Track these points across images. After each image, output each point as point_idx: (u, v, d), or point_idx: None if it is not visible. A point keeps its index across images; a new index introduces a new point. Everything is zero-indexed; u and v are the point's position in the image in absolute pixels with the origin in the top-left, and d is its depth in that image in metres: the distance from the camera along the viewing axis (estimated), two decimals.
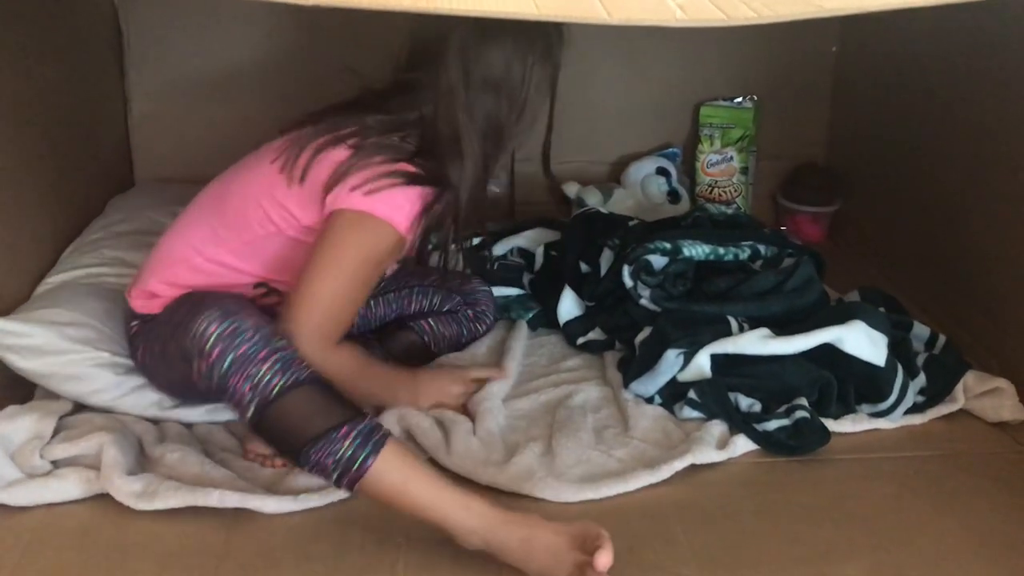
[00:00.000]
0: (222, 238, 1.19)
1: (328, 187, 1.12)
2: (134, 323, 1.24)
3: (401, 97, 1.17)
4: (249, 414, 1.01)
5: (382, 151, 1.13)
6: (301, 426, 0.99)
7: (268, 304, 1.19)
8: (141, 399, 1.23)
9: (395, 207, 1.12)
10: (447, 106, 1.14)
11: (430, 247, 1.22)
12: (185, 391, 1.18)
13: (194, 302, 1.09)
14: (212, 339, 1.01)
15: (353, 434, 0.98)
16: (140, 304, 1.23)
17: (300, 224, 1.16)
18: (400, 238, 1.13)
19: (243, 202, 1.19)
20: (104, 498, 1.10)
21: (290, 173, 1.15)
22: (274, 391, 0.99)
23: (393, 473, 0.98)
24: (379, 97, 1.19)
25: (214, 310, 1.03)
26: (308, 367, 1.02)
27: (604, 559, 0.91)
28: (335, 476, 0.99)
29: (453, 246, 1.23)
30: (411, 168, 1.13)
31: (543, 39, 1.17)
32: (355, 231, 1.12)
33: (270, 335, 1.02)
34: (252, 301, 1.15)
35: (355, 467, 0.97)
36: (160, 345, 1.15)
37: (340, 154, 1.13)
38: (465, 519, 0.97)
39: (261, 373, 1.00)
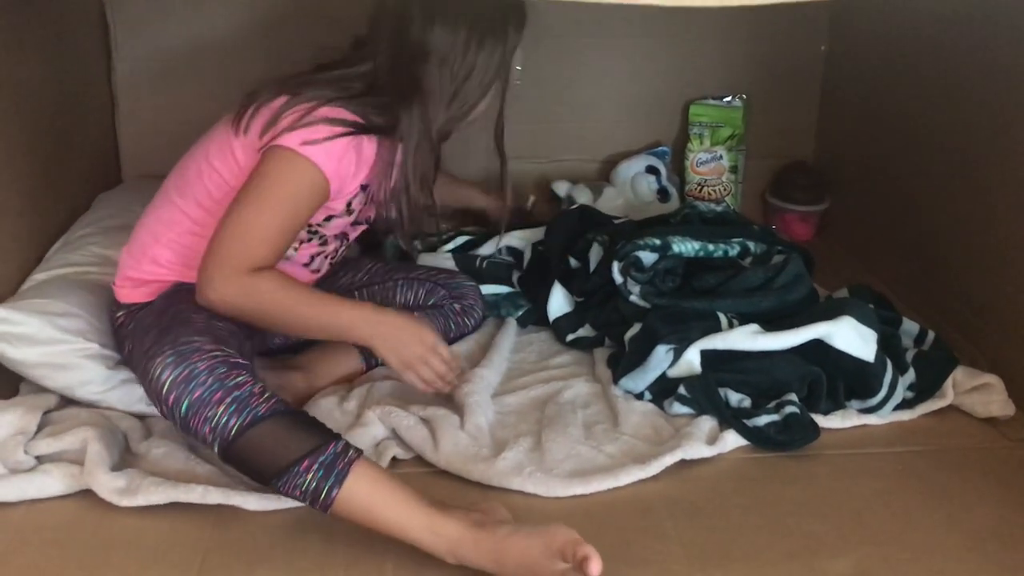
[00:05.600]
0: (184, 209, 1.21)
1: (264, 130, 1.14)
2: (120, 314, 1.24)
3: (356, 52, 1.21)
4: (215, 452, 1.02)
5: (318, 95, 1.15)
6: (264, 462, 1.00)
7: None
8: (129, 393, 1.22)
9: (321, 148, 1.13)
10: (393, 61, 1.17)
11: (395, 214, 1.24)
12: None
13: (161, 330, 1.08)
14: (167, 386, 1.01)
15: (315, 467, 0.98)
16: (125, 293, 1.24)
17: (246, 176, 1.17)
18: (323, 179, 1.14)
19: (198, 169, 1.21)
20: (88, 494, 1.09)
21: (236, 125, 1.18)
22: (232, 432, 0.99)
23: (359, 501, 0.99)
24: (339, 59, 1.23)
25: (169, 354, 1.02)
26: (268, 400, 1.01)
27: (594, 568, 0.89)
28: (307, 503, 1.00)
29: (408, 214, 1.24)
30: (346, 113, 1.15)
31: (498, 15, 1.20)
32: (278, 167, 1.13)
33: (225, 376, 1.01)
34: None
35: (321, 498, 0.98)
36: (141, 351, 1.13)
37: (279, 100, 1.16)
38: (434, 543, 0.97)
39: (218, 416, 1.00)
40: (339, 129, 1.14)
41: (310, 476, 0.98)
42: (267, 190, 1.12)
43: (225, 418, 0.99)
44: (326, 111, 1.14)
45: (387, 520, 0.99)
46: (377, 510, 0.99)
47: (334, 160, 1.14)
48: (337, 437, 1.02)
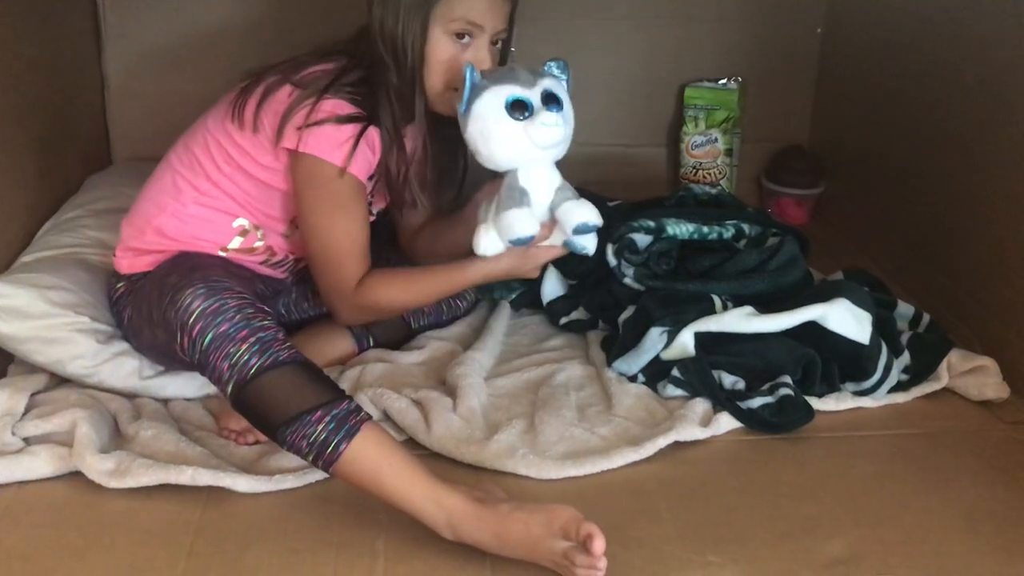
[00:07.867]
0: (192, 183, 1.21)
1: (276, 129, 1.14)
2: (120, 284, 1.24)
3: (355, 42, 1.19)
4: (227, 392, 1.01)
5: (320, 88, 1.13)
6: (277, 407, 0.99)
7: (251, 248, 1.23)
8: (120, 368, 1.21)
9: (333, 146, 1.13)
10: (370, 43, 1.16)
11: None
12: (170, 356, 1.17)
13: (184, 271, 1.08)
14: (195, 315, 1.01)
15: (327, 418, 0.98)
16: (127, 264, 1.24)
17: (258, 162, 1.18)
18: (354, 179, 1.15)
19: (205, 146, 1.20)
20: (78, 475, 1.08)
21: (240, 119, 1.16)
22: (251, 371, 0.99)
23: (366, 461, 0.98)
24: (334, 44, 1.21)
25: (200, 286, 1.03)
26: (289, 348, 1.01)
27: (598, 545, 0.89)
28: (311, 458, 0.99)
29: (414, 192, 1.24)
30: (346, 105, 1.13)
31: None
32: (313, 183, 1.15)
33: (252, 316, 1.02)
34: (250, 273, 1.19)
35: (328, 451, 0.97)
36: (147, 308, 1.14)
37: (283, 96, 1.14)
38: (435, 514, 0.97)
39: (240, 353, 0.99)
40: (349, 129, 1.13)
41: (321, 427, 0.97)
42: (320, 213, 1.15)
43: (247, 356, 0.99)
44: (331, 106, 1.12)
45: (390, 485, 0.97)
46: (382, 473, 0.98)
47: (344, 153, 1.13)
48: (351, 397, 1.01)
